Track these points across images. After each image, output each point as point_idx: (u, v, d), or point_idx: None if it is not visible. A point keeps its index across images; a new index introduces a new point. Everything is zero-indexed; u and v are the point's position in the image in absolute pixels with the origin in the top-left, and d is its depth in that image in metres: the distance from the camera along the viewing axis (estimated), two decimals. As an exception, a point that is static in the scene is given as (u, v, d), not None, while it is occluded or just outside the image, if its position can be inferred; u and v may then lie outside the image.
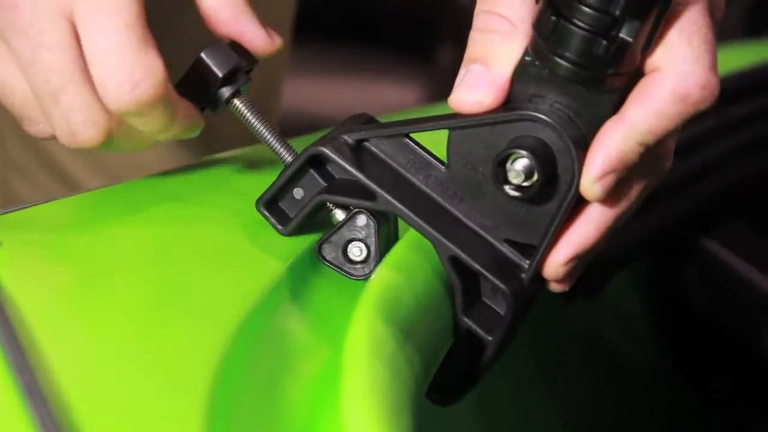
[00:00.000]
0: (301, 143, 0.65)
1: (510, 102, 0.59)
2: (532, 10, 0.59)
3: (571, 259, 0.60)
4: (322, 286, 0.62)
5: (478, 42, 0.60)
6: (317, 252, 0.63)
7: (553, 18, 0.57)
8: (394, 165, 0.63)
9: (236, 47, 0.66)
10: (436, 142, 0.63)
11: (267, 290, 0.59)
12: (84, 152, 0.98)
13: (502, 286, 0.60)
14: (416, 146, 0.62)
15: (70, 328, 0.54)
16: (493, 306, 0.62)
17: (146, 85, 0.61)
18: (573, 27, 0.56)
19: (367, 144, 0.63)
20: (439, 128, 0.61)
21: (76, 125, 0.62)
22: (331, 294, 0.62)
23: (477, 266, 0.60)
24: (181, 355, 0.53)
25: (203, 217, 0.66)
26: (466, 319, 0.61)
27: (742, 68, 1.18)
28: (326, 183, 0.63)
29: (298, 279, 0.62)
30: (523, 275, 0.61)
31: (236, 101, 0.66)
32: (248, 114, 0.66)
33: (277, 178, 0.64)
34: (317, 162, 0.63)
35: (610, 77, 0.57)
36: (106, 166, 0.99)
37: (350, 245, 0.63)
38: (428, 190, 0.62)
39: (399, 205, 0.61)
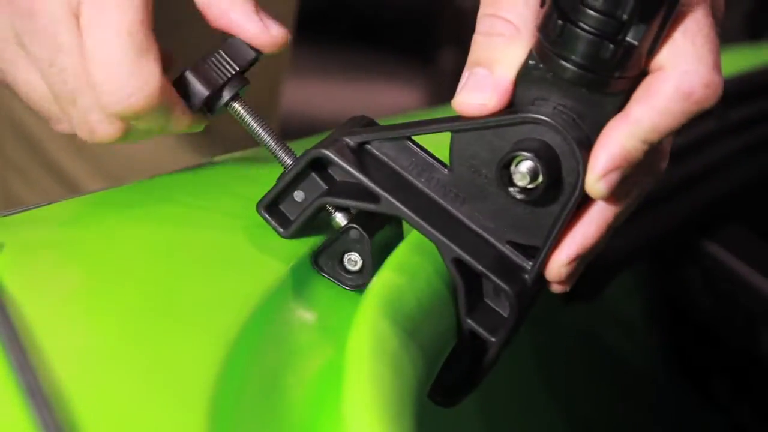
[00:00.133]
0: (301, 145, 0.65)
1: (513, 105, 0.60)
2: (535, 13, 0.59)
3: (574, 259, 0.60)
4: (324, 288, 0.63)
5: (481, 45, 0.60)
6: (313, 263, 0.63)
7: (560, 22, 0.57)
8: (396, 168, 0.63)
9: (230, 49, 0.66)
10: (437, 144, 0.63)
11: (270, 291, 0.59)
12: (84, 154, 0.99)
13: (505, 287, 0.60)
14: (418, 149, 0.62)
15: (72, 329, 0.54)
16: (495, 307, 0.62)
17: (140, 95, 0.62)
18: (580, 31, 0.56)
19: (368, 147, 0.63)
20: (442, 131, 0.61)
21: (94, 124, 0.64)
22: (333, 295, 0.62)
23: (480, 267, 0.60)
24: (184, 355, 0.53)
25: (205, 219, 0.66)
26: (469, 321, 0.61)
27: (743, 71, 1.18)
28: (327, 186, 0.63)
29: (301, 280, 0.62)
30: (526, 276, 0.61)
31: (235, 104, 0.66)
32: (247, 117, 0.66)
33: (278, 181, 0.64)
34: (318, 165, 0.63)
35: (615, 80, 0.58)
36: (106, 167, 0.99)
37: (346, 255, 0.63)
38: (431, 193, 0.62)
39: (402, 208, 0.61)
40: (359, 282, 0.63)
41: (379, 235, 0.63)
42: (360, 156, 0.63)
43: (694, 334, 1.14)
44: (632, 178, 0.60)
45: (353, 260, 0.63)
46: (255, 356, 0.54)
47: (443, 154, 0.62)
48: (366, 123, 0.66)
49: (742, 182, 1.15)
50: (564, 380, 1.07)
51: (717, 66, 0.58)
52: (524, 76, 0.59)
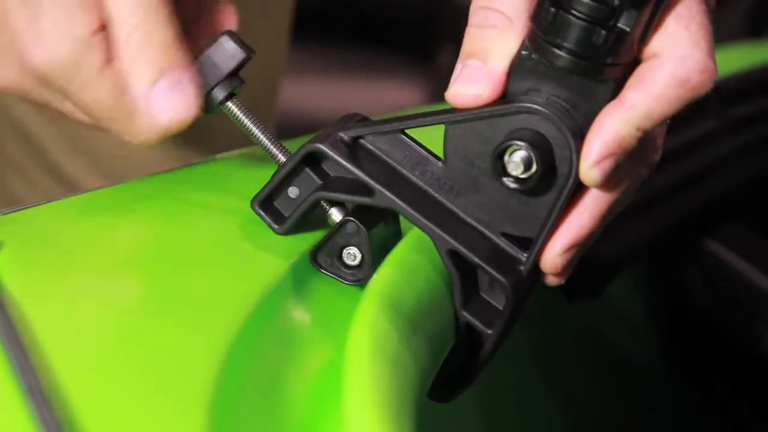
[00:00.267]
0: (300, 144, 0.65)
1: (506, 96, 0.60)
2: (527, 4, 0.59)
3: (568, 249, 0.61)
4: (324, 285, 0.63)
5: (474, 37, 0.60)
6: (312, 260, 0.63)
7: (552, 9, 0.57)
8: (390, 162, 0.63)
9: (235, 41, 0.66)
10: (430, 141, 0.63)
11: (269, 289, 0.59)
12: (83, 153, 0.99)
13: (501, 278, 0.60)
14: (412, 142, 0.63)
15: (72, 327, 0.54)
16: (491, 301, 0.62)
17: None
18: (572, 17, 0.57)
19: (362, 141, 0.63)
20: (436, 123, 0.61)
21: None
22: (333, 292, 0.62)
23: (476, 259, 0.60)
24: (184, 353, 0.53)
25: (205, 217, 0.66)
26: (464, 313, 0.61)
27: (743, 69, 1.18)
28: (322, 181, 0.63)
29: (301, 277, 0.62)
30: (522, 268, 0.61)
31: (230, 104, 0.66)
32: (242, 116, 0.66)
33: (272, 177, 0.64)
34: (312, 160, 0.63)
35: (608, 67, 0.58)
36: (105, 166, 0.99)
37: (344, 250, 0.63)
38: (425, 186, 0.62)
39: (397, 200, 0.61)
40: (359, 276, 0.63)
41: (377, 231, 0.63)
42: (354, 150, 0.63)
43: (694, 332, 1.14)
44: (625, 166, 0.60)
45: (352, 254, 0.63)
46: (255, 354, 0.54)
47: (438, 150, 0.62)
48: (359, 120, 0.66)
49: (742, 181, 1.15)
50: (564, 378, 1.07)
51: (711, 52, 0.58)
52: (517, 67, 0.59)
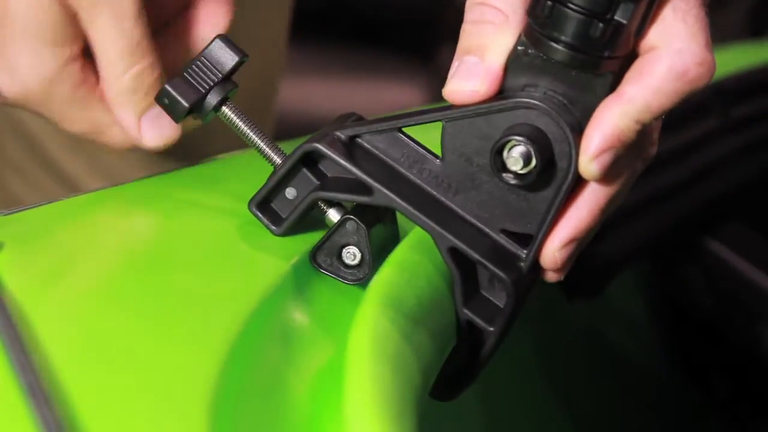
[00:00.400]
0: (298, 145, 0.65)
1: (503, 92, 0.60)
2: (523, 0, 0.59)
3: (567, 243, 0.61)
4: (326, 285, 0.62)
5: (471, 33, 0.60)
6: (311, 260, 0.63)
7: (549, 3, 0.57)
8: (388, 160, 0.63)
9: (228, 45, 0.66)
10: (427, 141, 0.63)
11: (270, 289, 0.59)
12: (83, 153, 0.99)
13: (502, 274, 0.60)
14: (409, 140, 0.63)
15: (73, 327, 0.54)
16: (491, 298, 0.62)
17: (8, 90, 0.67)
18: (568, 10, 0.57)
19: (359, 140, 0.63)
20: (433, 120, 0.61)
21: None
22: (334, 293, 0.62)
23: (476, 256, 0.60)
24: (185, 353, 0.53)
25: (206, 218, 0.66)
26: (466, 311, 0.61)
27: (744, 69, 1.18)
28: (319, 181, 0.63)
29: (301, 278, 0.62)
30: (522, 264, 0.61)
31: (225, 109, 0.66)
32: (237, 120, 0.66)
33: (269, 178, 0.64)
34: (309, 160, 0.63)
35: (605, 60, 0.58)
36: (104, 166, 0.99)
37: (344, 250, 0.63)
38: (423, 184, 0.62)
39: (396, 198, 0.61)
40: (359, 276, 0.63)
41: (375, 231, 0.63)
42: (351, 149, 0.63)
43: (695, 332, 1.14)
44: (623, 160, 0.60)
45: (352, 254, 0.63)
46: (256, 355, 0.54)
47: (436, 149, 0.62)
48: (356, 119, 0.66)
49: (743, 180, 1.15)
50: (565, 378, 1.07)
51: (708, 44, 0.58)
52: (514, 62, 0.59)
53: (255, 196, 0.64)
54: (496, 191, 0.61)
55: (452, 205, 0.62)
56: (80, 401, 0.48)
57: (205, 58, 0.65)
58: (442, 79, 0.61)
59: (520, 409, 1.02)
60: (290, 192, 0.64)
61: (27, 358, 0.49)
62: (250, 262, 0.63)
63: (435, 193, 0.62)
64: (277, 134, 0.72)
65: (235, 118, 0.66)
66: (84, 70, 0.67)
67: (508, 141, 0.59)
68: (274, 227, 0.64)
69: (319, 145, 0.62)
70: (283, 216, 0.64)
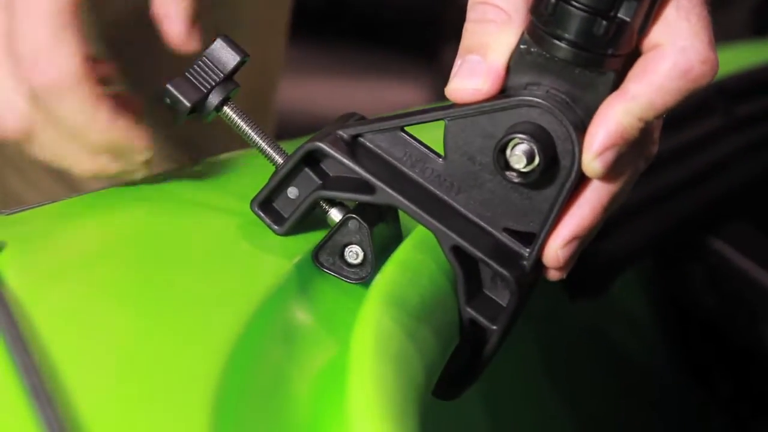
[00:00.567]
0: (301, 145, 0.65)
1: (506, 91, 0.60)
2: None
3: (570, 241, 0.61)
4: (328, 284, 0.62)
5: (473, 32, 0.60)
6: (314, 259, 0.63)
7: (552, 0, 0.57)
8: (391, 159, 0.63)
9: (230, 45, 0.66)
10: (430, 141, 0.63)
11: (273, 288, 0.59)
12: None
13: (504, 272, 0.60)
14: (412, 139, 0.63)
15: (75, 327, 0.54)
16: (494, 297, 0.62)
17: (57, 69, 0.63)
18: (572, 8, 0.57)
19: (362, 139, 0.63)
20: (436, 119, 0.61)
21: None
22: (337, 292, 0.62)
23: (479, 254, 0.60)
24: (188, 352, 0.53)
25: (207, 217, 0.66)
26: (469, 309, 0.61)
27: (748, 67, 1.18)
28: (321, 181, 0.63)
29: (304, 277, 0.62)
30: (524, 262, 0.61)
31: (226, 108, 0.66)
32: (238, 120, 0.66)
33: (271, 178, 0.64)
34: (312, 160, 0.63)
35: (608, 58, 0.58)
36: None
37: (346, 249, 0.63)
38: (426, 183, 0.62)
39: (399, 197, 0.61)
40: (362, 275, 0.63)
41: (378, 230, 0.63)
42: (354, 148, 0.63)
43: (698, 331, 1.14)
44: (625, 158, 0.60)
45: (354, 252, 0.62)
46: (259, 354, 0.54)
47: (439, 149, 0.62)
48: (358, 119, 0.66)
49: (747, 179, 1.15)
50: (568, 377, 1.07)
51: (711, 43, 0.58)
52: (517, 61, 0.59)
53: (257, 195, 0.64)
54: (499, 190, 0.61)
55: (455, 204, 0.62)
56: (82, 401, 0.48)
57: (206, 57, 0.65)
58: (445, 79, 0.61)
59: (522, 408, 1.02)
60: (292, 191, 0.64)
61: (29, 358, 0.49)
62: (252, 262, 0.63)
63: (438, 192, 0.62)
64: (279, 134, 0.71)
65: (236, 117, 0.66)
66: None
67: (511, 139, 0.59)
68: (276, 227, 0.64)
69: (321, 144, 0.62)
70: (286, 215, 0.64)
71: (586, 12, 0.57)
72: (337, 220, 0.63)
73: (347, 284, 0.63)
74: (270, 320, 0.57)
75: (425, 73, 2.72)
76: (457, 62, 0.60)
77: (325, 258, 0.63)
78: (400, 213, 0.65)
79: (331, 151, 0.62)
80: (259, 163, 0.70)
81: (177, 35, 0.67)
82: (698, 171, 1.09)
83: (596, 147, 0.58)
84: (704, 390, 1.14)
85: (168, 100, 0.64)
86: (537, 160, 0.59)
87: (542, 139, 0.59)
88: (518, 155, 0.59)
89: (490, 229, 0.62)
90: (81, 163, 0.66)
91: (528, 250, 0.61)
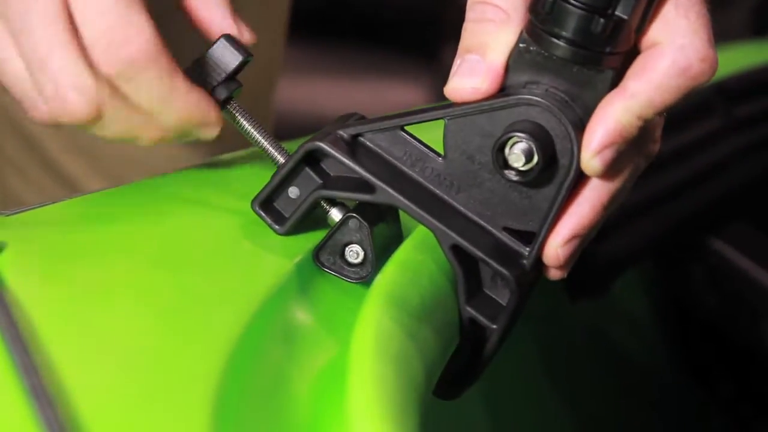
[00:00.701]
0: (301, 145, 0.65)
1: (505, 90, 0.60)
2: None
3: (570, 240, 0.61)
4: (329, 284, 0.62)
5: (472, 32, 0.61)
6: (314, 259, 0.63)
7: None
8: (390, 159, 0.63)
9: (233, 45, 0.66)
10: (429, 141, 0.63)
11: (274, 287, 0.59)
12: (83, 153, 0.98)
13: (504, 271, 0.60)
14: (412, 139, 0.63)
15: (76, 328, 0.54)
16: (494, 296, 0.62)
17: (135, 44, 0.61)
18: (569, 6, 0.57)
19: (362, 139, 0.63)
20: (435, 118, 0.61)
21: (65, 90, 0.62)
22: (337, 292, 0.62)
23: (479, 253, 0.60)
24: (188, 352, 0.53)
25: (207, 218, 0.66)
26: (468, 308, 0.61)
27: (748, 68, 1.18)
28: (322, 180, 0.63)
29: (305, 277, 0.62)
30: (524, 261, 0.61)
31: (228, 107, 0.66)
32: (241, 119, 0.66)
33: (272, 178, 0.64)
34: (312, 159, 0.63)
35: (606, 56, 0.58)
36: (104, 165, 0.99)
37: (347, 248, 0.63)
38: (425, 182, 0.62)
39: (399, 197, 0.61)
40: (362, 274, 0.63)
41: (378, 229, 0.63)
42: (354, 148, 0.63)
43: (698, 331, 1.14)
44: (625, 156, 0.60)
45: (355, 252, 0.63)
46: (259, 354, 0.54)
47: (439, 148, 0.62)
48: (358, 119, 0.66)
49: (747, 180, 1.15)
50: (569, 377, 1.07)
51: (711, 40, 0.59)
52: (515, 60, 0.60)
53: (258, 195, 0.64)
54: (499, 189, 0.61)
55: (454, 203, 0.62)
56: (83, 401, 0.48)
57: (210, 56, 0.65)
58: (445, 79, 0.61)
59: (523, 408, 1.02)
60: (293, 191, 0.64)
61: (29, 359, 0.49)
62: (253, 261, 0.63)
63: (437, 191, 0.62)
64: (279, 134, 0.71)
65: (239, 117, 0.66)
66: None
67: (510, 137, 0.59)
68: (277, 226, 0.64)
69: (321, 144, 0.62)
70: (286, 215, 0.64)
71: (584, 10, 0.57)
72: (338, 220, 0.63)
73: (348, 284, 0.63)
74: (270, 320, 0.57)
75: (425, 73, 2.71)
76: (456, 61, 0.61)
77: (325, 257, 0.63)
78: (401, 213, 0.65)
79: (331, 151, 0.62)
80: (260, 163, 0.70)
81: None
82: (698, 171, 1.09)
83: (595, 145, 0.59)
84: (704, 390, 1.14)
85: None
86: (536, 158, 0.59)
87: (541, 137, 0.59)
88: (517, 154, 0.59)
89: (489, 228, 0.62)
90: (151, 135, 0.65)
91: (528, 249, 0.61)
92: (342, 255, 0.63)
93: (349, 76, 2.80)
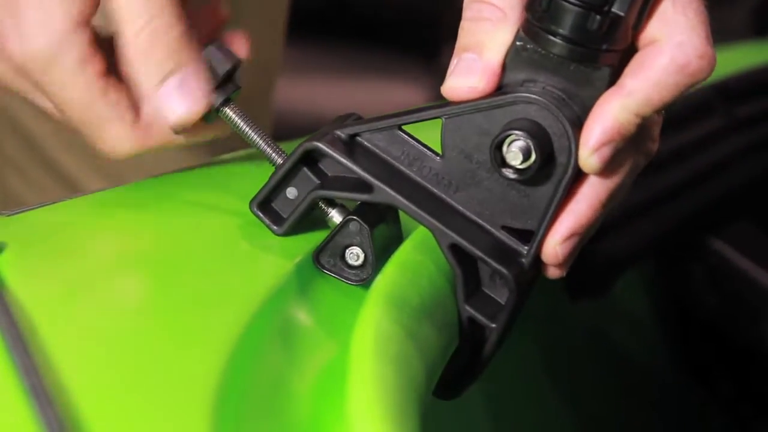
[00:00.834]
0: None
1: (502, 88, 0.60)
2: None
3: (568, 237, 0.61)
4: (328, 285, 0.62)
5: (469, 31, 0.61)
6: (314, 261, 0.63)
7: None
8: (388, 159, 0.63)
9: (223, 50, 0.66)
10: (427, 140, 0.63)
11: (273, 289, 0.59)
12: (83, 153, 0.98)
13: (503, 270, 0.60)
14: (409, 138, 0.63)
15: (76, 328, 0.54)
16: (493, 295, 0.62)
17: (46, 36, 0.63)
18: (566, 3, 0.57)
19: (359, 139, 0.63)
20: (433, 117, 0.61)
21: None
22: (337, 293, 0.62)
23: (477, 252, 0.60)
24: (188, 353, 0.53)
25: (209, 218, 0.66)
26: (467, 307, 0.61)
27: (749, 68, 1.18)
28: (319, 181, 0.63)
29: (305, 277, 0.62)
30: (523, 260, 0.61)
31: (226, 110, 0.66)
32: (239, 121, 0.66)
33: (270, 178, 0.64)
34: (310, 160, 0.63)
35: (603, 53, 0.58)
36: (104, 165, 0.99)
37: (347, 250, 0.63)
38: (423, 182, 0.62)
39: (397, 196, 0.61)
40: (363, 276, 0.62)
41: (378, 231, 0.63)
42: (351, 148, 0.63)
43: (699, 331, 1.14)
44: (623, 154, 0.60)
45: (355, 254, 0.62)
46: (259, 355, 0.54)
47: (436, 147, 0.62)
48: (355, 119, 0.66)
49: (747, 180, 1.15)
50: (569, 377, 1.07)
51: (709, 38, 0.59)
52: (512, 58, 0.60)
53: (256, 196, 0.64)
54: (497, 188, 0.61)
55: (453, 203, 0.62)
56: (83, 401, 0.48)
57: (208, 59, 0.65)
58: (443, 79, 0.61)
59: (523, 408, 1.02)
60: (291, 192, 0.64)
61: (29, 359, 0.49)
62: (252, 262, 0.63)
63: (435, 190, 0.62)
64: (278, 134, 0.71)
65: (236, 118, 0.66)
66: (95, 48, 0.64)
67: (508, 136, 0.59)
68: (275, 227, 0.64)
69: (319, 144, 0.62)
70: (285, 216, 0.64)
71: (580, 7, 0.57)
72: (338, 222, 0.63)
73: (347, 285, 0.63)
74: (270, 320, 0.57)
75: (425, 73, 2.71)
76: (453, 61, 0.61)
77: (326, 260, 0.63)
78: (401, 214, 0.65)
79: (329, 151, 0.62)
80: (259, 163, 0.70)
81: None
82: (699, 172, 1.09)
83: (593, 143, 0.59)
84: (705, 390, 1.14)
85: None
86: (533, 156, 0.59)
87: (538, 135, 0.59)
88: (515, 152, 0.59)
89: (488, 227, 0.62)
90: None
91: (526, 247, 0.61)
92: (342, 257, 0.63)
93: (348, 76, 2.79)
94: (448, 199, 0.62)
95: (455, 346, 0.62)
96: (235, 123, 0.66)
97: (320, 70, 2.75)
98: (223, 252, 0.63)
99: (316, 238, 0.64)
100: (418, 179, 0.63)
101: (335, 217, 0.64)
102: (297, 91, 2.48)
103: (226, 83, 0.66)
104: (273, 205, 0.64)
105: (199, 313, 0.57)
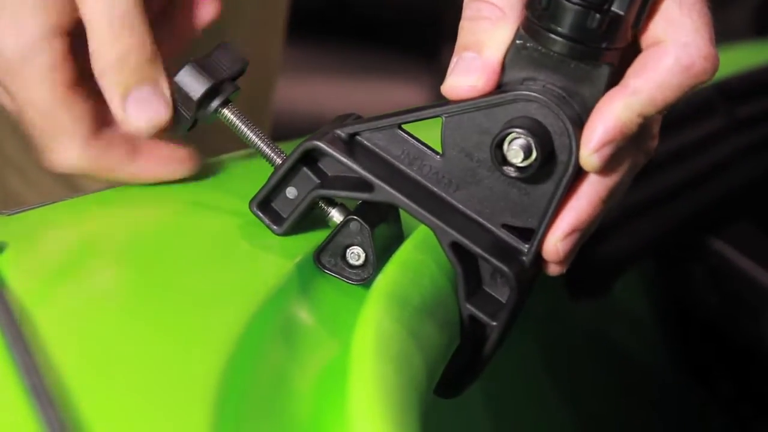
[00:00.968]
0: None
1: (502, 87, 0.60)
2: None
3: (569, 234, 0.61)
4: (329, 285, 0.62)
5: (468, 30, 0.61)
6: (315, 261, 0.63)
7: None
8: (388, 158, 0.63)
9: (221, 54, 0.66)
10: (427, 140, 0.63)
11: (274, 288, 0.59)
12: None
13: (504, 268, 0.60)
14: (409, 137, 0.63)
15: (77, 327, 0.54)
16: (493, 293, 0.62)
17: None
18: (566, 2, 0.58)
19: (359, 138, 0.63)
20: (433, 116, 0.61)
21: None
22: (338, 292, 0.62)
23: (478, 250, 0.60)
24: (189, 352, 0.53)
25: (209, 218, 0.66)
26: (468, 306, 0.61)
27: (750, 68, 1.18)
28: (319, 180, 0.63)
29: (306, 277, 0.62)
30: (524, 258, 0.61)
31: (225, 111, 0.66)
32: (238, 123, 0.66)
33: (270, 178, 0.64)
34: (310, 159, 0.63)
35: (603, 51, 0.58)
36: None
37: (348, 250, 0.63)
38: (424, 181, 0.62)
39: (397, 195, 0.61)
40: (363, 276, 0.62)
41: (379, 230, 0.63)
42: (351, 147, 0.63)
43: (699, 331, 1.14)
44: (624, 152, 0.61)
45: (356, 254, 0.62)
46: (260, 354, 0.54)
47: (436, 146, 0.62)
48: (355, 119, 0.66)
49: (748, 180, 1.15)
50: (569, 377, 1.07)
51: (712, 39, 0.59)
52: (512, 56, 0.60)
53: (256, 195, 0.64)
54: (497, 186, 0.61)
55: (453, 201, 0.62)
56: (84, 401, 0.48)
57: (208, 60, 0.66)
58: (444, 78, 0.61)
59: (524, 407, 1.02)
60: (291, 191, 0.64)
61: (30, 359, 0.49)
62: (253, 262, 0.63)
63: (436, 189, 0.62)
64: (277, 134, 0.71)
65: (235, 119, 0.66)
66: (68, 59, 0.65)
67: (509, 134, 0.59)
68: (275, 227, 0.64)
69: (319, 143, 0.62)
70: (284, 215, 0.64)
71: (580, 5, 0.57)
72: (338, 222, 0.63)
73: (348, 285, 0.63)
74: (271, 321, 0.57)
75: (425, 73, 2.71)
76: (453, 60, 0.61)
77: (326, 259, 0.63)
78: (402, 213, 0.65)
79: (329, 150, 0.62)
80: (259, 163, 0.70)
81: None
82: (699, 172, 1.09)
83: (594, 142, 0.59)
84: (704, 390, 1.14)
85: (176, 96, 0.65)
86: (534, 154, 0.59)
87: (539, 133, 0.59)
88: (515, 150, 0.59)
89: (488, 225, 0.62)
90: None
91: (527, 246, 0.61)
92: (343, 257, 0.63)
93: (348, 76, 2.79)
94: (449, 198, 0.62)
95: (456, 345, 0.62)
96: (234, 124, 0.66)
97: (320, 70, 2.75)
98: (224, 252, 0.63)
99: (317, 237, 0.64)
100: (419, 178, 0.63)
101: (335, 216, 0.64)
102: (297, 91, 2.48)
103: (227, 84, 0.66)
104: (273, 204, 0.64)
105: (200, 313, 0.56)
